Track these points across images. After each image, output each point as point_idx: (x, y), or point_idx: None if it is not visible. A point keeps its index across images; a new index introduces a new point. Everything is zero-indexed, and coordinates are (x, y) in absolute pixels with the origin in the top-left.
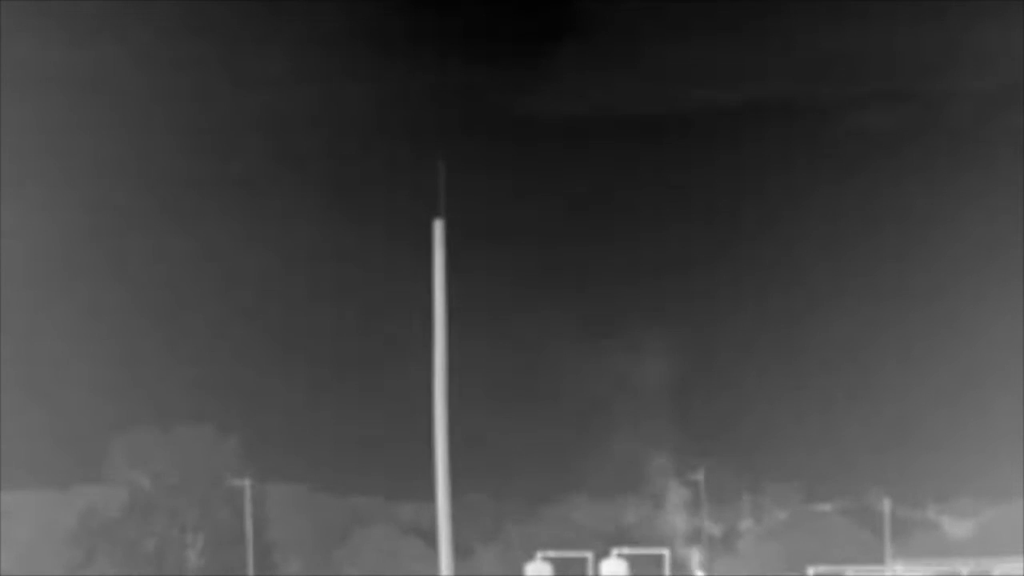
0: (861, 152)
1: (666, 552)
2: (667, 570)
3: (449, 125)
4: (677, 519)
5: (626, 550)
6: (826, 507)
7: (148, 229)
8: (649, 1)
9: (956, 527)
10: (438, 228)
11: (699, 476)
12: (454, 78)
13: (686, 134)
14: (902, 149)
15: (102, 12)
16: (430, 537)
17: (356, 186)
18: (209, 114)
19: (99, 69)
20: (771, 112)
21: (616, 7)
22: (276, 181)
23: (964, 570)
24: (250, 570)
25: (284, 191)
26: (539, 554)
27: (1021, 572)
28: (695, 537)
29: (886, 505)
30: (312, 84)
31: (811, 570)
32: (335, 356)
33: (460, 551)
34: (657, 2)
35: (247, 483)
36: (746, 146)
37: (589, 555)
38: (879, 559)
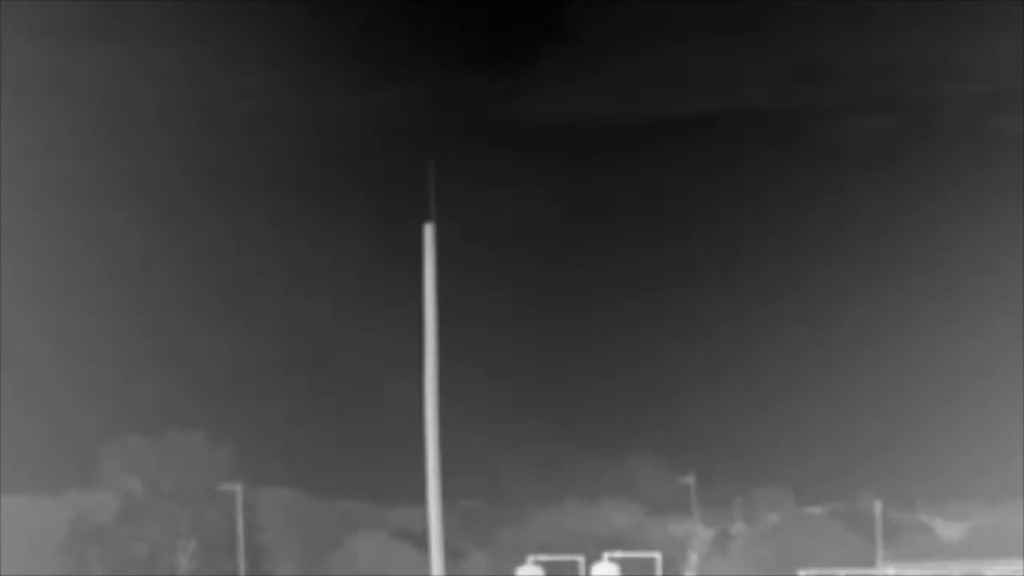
0: (859, 155)
1: (658, 556)
2: (659, 572)
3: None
4: (668, 523)
5: (618, 554)
6: (817, 510)
7: (144, 232)
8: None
9: (948, 529)
10: (428, 232)
11: (690, 479)
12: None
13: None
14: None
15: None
16: (422, 541)
17: (350, 192)
18: (204, 119)
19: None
20: (768, 117)
21: (605, 11)
22: (272, 185)
23: (956, 572)
24: (241, 574)
25: (280, 196)
26: (530, 558)
27: (1014, 575)
28: (687, 540)
29: (877, 507)
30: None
31: (802, 572)
32: (329, 361)
33: (451, 555)
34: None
35: (239, 488)
36: (747, 151)
37: (580, 559)
38: (871, 562)
